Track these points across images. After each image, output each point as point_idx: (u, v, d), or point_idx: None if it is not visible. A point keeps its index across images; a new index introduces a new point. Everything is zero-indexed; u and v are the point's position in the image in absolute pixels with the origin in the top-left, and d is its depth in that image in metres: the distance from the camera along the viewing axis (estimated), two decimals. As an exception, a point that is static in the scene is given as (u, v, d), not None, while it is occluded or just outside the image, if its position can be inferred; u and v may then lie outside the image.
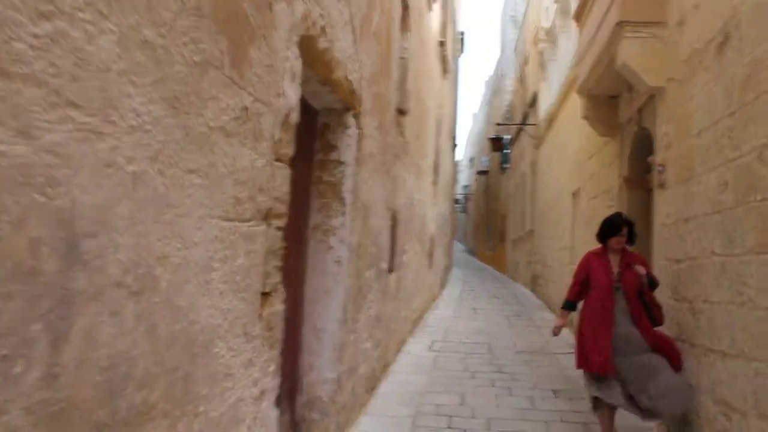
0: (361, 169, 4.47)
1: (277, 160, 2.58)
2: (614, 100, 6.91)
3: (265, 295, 2.53)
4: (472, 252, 40.98)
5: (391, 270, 6.48)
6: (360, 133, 4.38)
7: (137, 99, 1.52)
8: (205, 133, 1.90)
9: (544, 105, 14.43)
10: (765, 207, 3.23)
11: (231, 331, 2.19)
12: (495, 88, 31.23)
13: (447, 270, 18.47)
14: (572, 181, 10.15)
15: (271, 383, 2.68)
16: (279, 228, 2.64)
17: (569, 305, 4.96)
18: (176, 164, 1.73)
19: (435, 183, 12.26)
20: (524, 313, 11.85)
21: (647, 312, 4.48)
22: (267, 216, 2.48)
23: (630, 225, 4.73)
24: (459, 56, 20.17)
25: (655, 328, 4.50)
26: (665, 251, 4.96)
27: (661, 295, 4.69)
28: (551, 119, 12.85)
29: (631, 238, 4.72)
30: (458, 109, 21.16)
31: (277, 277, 2.66)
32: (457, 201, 32.06)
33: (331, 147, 4.21)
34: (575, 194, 9.95)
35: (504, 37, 28.59)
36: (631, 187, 6.46)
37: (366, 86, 4.53)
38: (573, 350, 7.88)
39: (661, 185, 5.13)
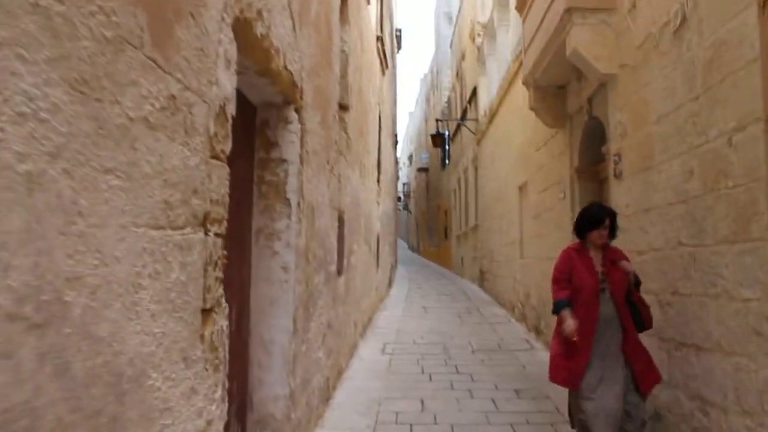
0: (305, 168, 4.16)
1: (213, 157, 2.25)
2: (562, 90, 6.79)
3: (206, 311, 2.22)
4: (414, 249, 41.15)
5: (340, 272, 6.19)
6: (303, 128, 4.07)
7: (28, 79, 1.19)
8: (124, 125, 1.57)
9: (485, 99, 14.38)
10: (737, 194, 3.07)
11: (167, 358, 1.88)
12: (432, 84, 31.31)
13: (393, 268, 18.31)
14: (518, 174, 10.03)
15: (218, 411, 2.37)
16: (218, 234, 2.32)
17: (566, 304, 3.93)
18: (87, 163, 1.40)
19: (379, 181, 12.01)
20: (474, 309, 11.76)
21: (634, 316, 3.88)
22: (204, 221, 2.16)
23: (612, 216, 4.07)
24: (397, 53, 20.01)
25: (642, 342, 3.94)
26: (625, 243, 4.79)
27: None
28: (493, 113, 12.77)
29: (612, 231, 4.07)
30: (397, 106, 21.02)
31: (219, 290, 2.35)
32: (399, 198, 32.04)
33: (272, 144, 3.89)
34: (522, 188, 9.84)
35: (438, 33, 28.67)
36: (583, 178, 6.34)
37: (307, 78, 4.22)
38: (530, 347, 7.85)
39: (618, 175, 4.98)
